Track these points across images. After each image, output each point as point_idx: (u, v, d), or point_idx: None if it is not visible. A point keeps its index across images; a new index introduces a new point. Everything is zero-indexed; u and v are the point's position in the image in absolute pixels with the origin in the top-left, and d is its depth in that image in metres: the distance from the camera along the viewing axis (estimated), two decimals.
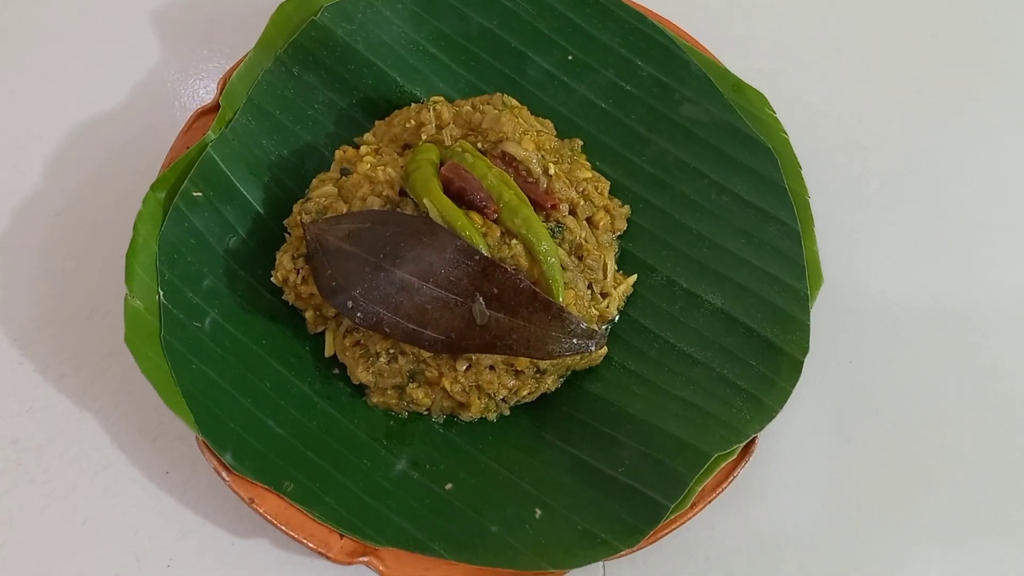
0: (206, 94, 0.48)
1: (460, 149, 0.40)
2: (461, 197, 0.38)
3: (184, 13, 0.50)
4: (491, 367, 0.38)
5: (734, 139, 0.44)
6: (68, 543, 0.39)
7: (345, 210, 0.39)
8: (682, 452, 0.36)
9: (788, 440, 0.41)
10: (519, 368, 0.38)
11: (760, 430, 0.37)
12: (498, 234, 0.38)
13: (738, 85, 0.45)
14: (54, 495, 0.39)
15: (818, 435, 0.42)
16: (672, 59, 0.45)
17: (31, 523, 0.39)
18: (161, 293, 0.39)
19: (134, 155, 0.45)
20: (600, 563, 0.39)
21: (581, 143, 0.45)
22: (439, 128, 0.42)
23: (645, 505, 0.36)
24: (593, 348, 0.37)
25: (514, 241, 0.38)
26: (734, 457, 0.37)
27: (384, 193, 0.39)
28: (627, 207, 0.44)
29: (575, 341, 0.36)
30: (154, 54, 0.49)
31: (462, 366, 0.38)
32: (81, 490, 0.40)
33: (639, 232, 0.43)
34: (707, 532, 0.40)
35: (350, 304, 0.37)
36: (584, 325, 0.36)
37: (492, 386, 0.38)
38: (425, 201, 0.37)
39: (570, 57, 0.46)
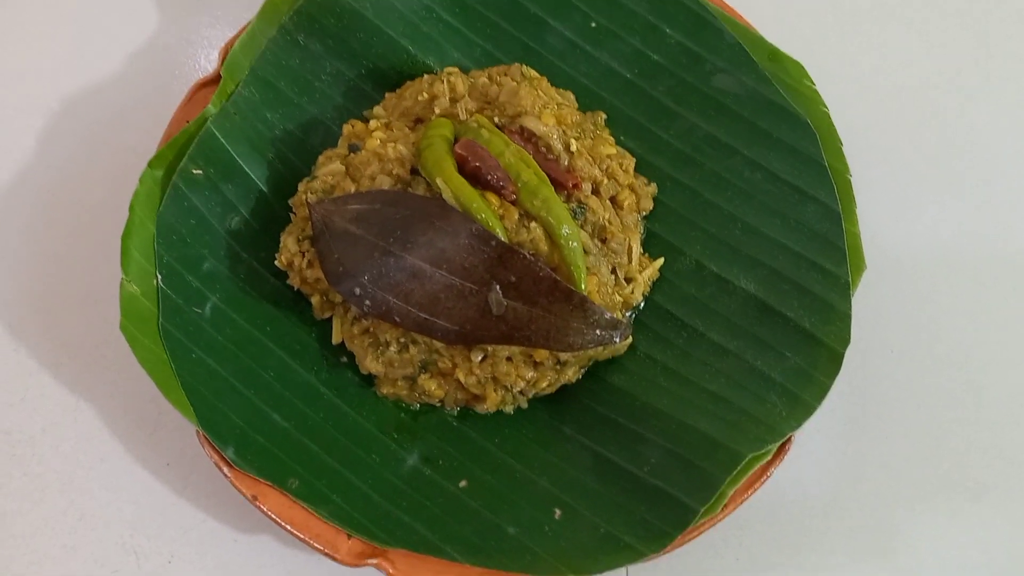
0: (207, 64, 0.45)
1: (476, 124, 0.37)
2: (477, 177, 0.35)
3: (178, 25, 0.47)
4: (508, 358, 0.36)
5: (769, 112, 0.41)
6: (64, 539, 0.37)
7: (353, 189, 0.37)
8: (713, 452, 0.34)
9: (824, 436, 0.39)
10: (538, 359, 0.36)
11: (797, 428, 0.35)
12: (516, 216, 0.35)
13: (774, 54, 0.42)
14: (48, 489, 0.38)
15: (855, 430, 0.39)
16: (703, 26, 0.42)
17: (25, 518, 0.37)
18: (159, 277, 0.37)
19: (130, 130, 0.43)
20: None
21: (605, 116, 0.42)
22: (453, 101, 0.39)
23: (672, 507, 0.34)
24: (618, 339, 0.34)
25: (533, 224, 0.35)
26: (768, 458, 0.34)
27: (394, 172, 0.37)
28: (653, 185, 0.41)
29: (598, 332, 0.34)
30: (152, 21, 0.46)
31: (477, 357, 0.36)
32: (77, 484, 0.38)
33: (666, 212, 0.41)
34: (736, 532, 0.38)
35: (358, 291, 0.34)
36: (608, 315, 0.34)
37: (509, 378, 0.36)
38: (438, 181, 0.35)
39: (593, 24, 0.43)
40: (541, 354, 0.35)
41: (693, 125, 0.42)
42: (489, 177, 0.35)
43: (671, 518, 0.34)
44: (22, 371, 0.39)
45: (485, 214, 0.34)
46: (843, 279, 0.37)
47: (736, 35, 0.42)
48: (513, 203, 0.35)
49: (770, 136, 0.40)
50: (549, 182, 0.36)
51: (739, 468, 0.33)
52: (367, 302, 0.34)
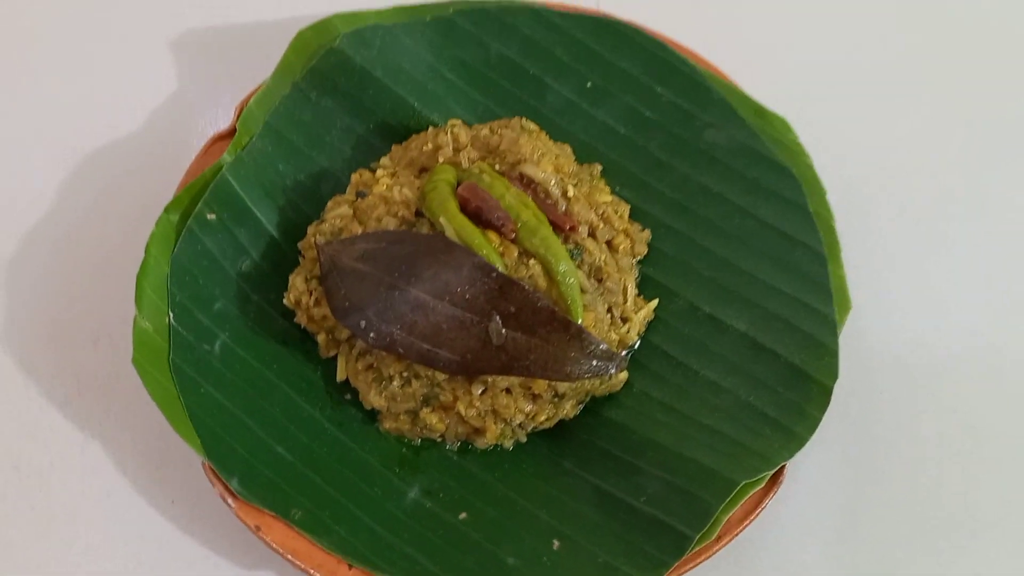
0: (223, 120, 0.47)
1: (478, 170, 0.39)
2: (478, 216, 0.37)
3: (202, 39, 0.50)
4: (507, 390, 0.37)
5: (757, 164, 0.43)
6: (70, 570, 0.37)
7: (360, 231, 0.39)
8: (708, 481, 0.35)
9: (820, 476, 0.40)
10: (536, 391, 0.37)
11: (789, 458, 0.36)
12: (516, 254, 0.37)
13: (760, 111, 0.44)
14: (55, 521, 0.38)
15: (845, 469, 0.40)
16: (693, 86, 0.45)
17: (30, 550, 0.38)
18: (171, 315, 0.38)
19: (148, 178, 0.45)
20: None
21: (600, 168, 0.44)
22: (456, 151, 0.41)
23: (669, 536, 0.34)
24: (613, 371, 0.35)
25: (532, 261, 0.37)
26: (761, 486, 0.35)
27: (400, 213, 0.39)
28: (647, 231, 0.43)
29: (595, 363, 0.35)
30: (171, 79, 0.48)
31: (477, 390, 0.37)
32: (83, 518, 0.38)
33: (660, 257, 0.42)
34: (735, 568, 0.38)
35: (363, 324, 0.36)
36: (604, 346, 0.35)
37: (508, 410, 0.37)
38: (441, 220, 0.37)
39: (589, 84, 0.46)
40: (539, 386, 0.36)
41: (685, 176, 0.44)
42: (490, 217, 0.37)
43: (667, 546, 0.34)
44: (33, 406, 0.40)
45: (486, 250, 0.36)
46: (830, 317, 0.39)
47: (724, 94, 0.44)
48: (513, 241, 0.37)
49: (758, 185, 0.43)
50: (548, 223, 0.38)
51: (733, 494, 0.34)
52: (372, 334, 0.36)
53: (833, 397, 0.37)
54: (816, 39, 0.52)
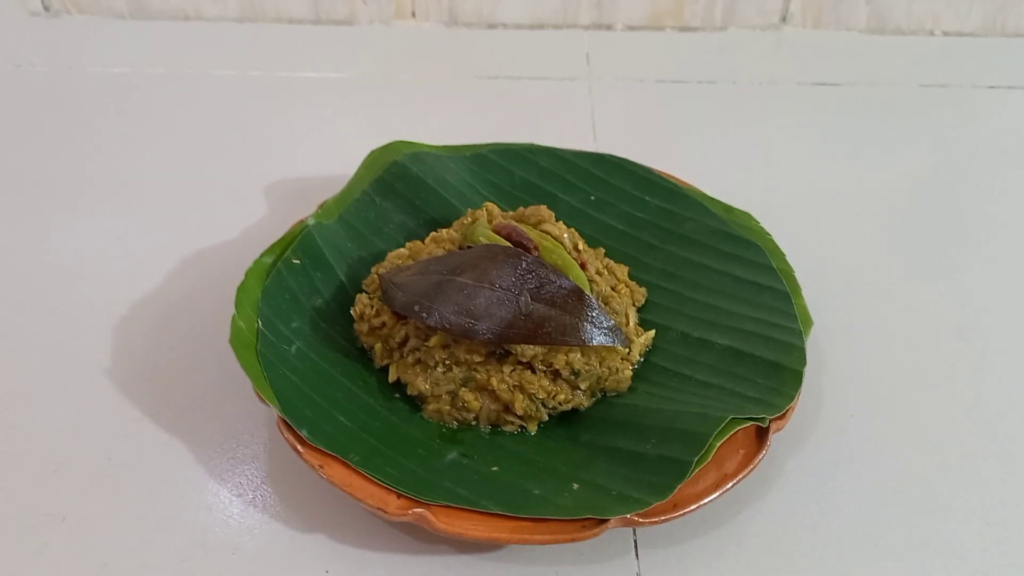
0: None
1: (508, 220, 0.50)
2: (510, 240, 0.47)
3: (293, 184, 0.64)
4: (532, 369, 0.44)
5: (729, 241, 0.54)
6: (146, 536, 0.42)
7: None
8: (703, 421, 0.41)
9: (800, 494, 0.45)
10: (557, 367, 0.44)
11: (774, 413, 0.42)
12: None
13: (728, 208, 0.56)
14: (138, 502, 0.44)
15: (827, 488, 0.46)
16: (674, 194, 0.57)
17: (96, 504, 0.43)
18: (259, 322, 0.47)
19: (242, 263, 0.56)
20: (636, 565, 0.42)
21: (604, 251, 0.55)
22: (490, 221, 0.52)
23: (671, 466, 0.40)
24: (618, 342, 0.44)
25: None
26: (746, 426, 0.42)
27: (447, 248, 0.49)
28: (644, 289, 0.52)
29: (604, 334, 0.43)
30: (261, 208, 0.62)
31: (507, 369, 0.44)
32: (160, 495, 0.44)
33: (655, 307, 0.52)
34: (735, 542, 0.43)
35: (417, 308, 0.44)
36: (612, 322, 0.44)
37: (533, 386, 0.44)
38: (481, 239, 0.47)
39: (592, 197, 0.58)
40: (559, 361, 0.44)
41: (672, 253, 0.54)
42: (520, 240, 0.47)
43: (671, 473, 0.40)
44: (128, 417, 0.48)
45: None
46: (797, 329, 0.47)
47: (698, 199, 0.57)
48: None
49: (731, 255, 0.53)
50: (564, 249, 0.48)
51: (723, 425, 0.41)
52: (424, 314, 0.44)
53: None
54: (767, 159, 0.66)
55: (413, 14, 0.85)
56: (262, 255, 0.51)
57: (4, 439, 0.47)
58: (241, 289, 0.48)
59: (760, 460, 0.42)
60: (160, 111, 0.73)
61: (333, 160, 0.66)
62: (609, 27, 0.85)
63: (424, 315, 0.44)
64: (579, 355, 0.45)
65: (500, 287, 0.44)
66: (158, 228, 0.60)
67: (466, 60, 0.80)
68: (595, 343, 0.43)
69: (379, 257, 0.54)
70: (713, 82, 0.78)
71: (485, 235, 0.47)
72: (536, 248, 0.47)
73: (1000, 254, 0.59)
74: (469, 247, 0.48)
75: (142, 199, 0.63)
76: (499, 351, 0.45)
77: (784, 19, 0.85)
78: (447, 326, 0.44)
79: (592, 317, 0.43)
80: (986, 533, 0.43)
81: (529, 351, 0.44)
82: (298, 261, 0.51)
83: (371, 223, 0.56)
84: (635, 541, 0.43)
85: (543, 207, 0.52)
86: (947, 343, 0.53)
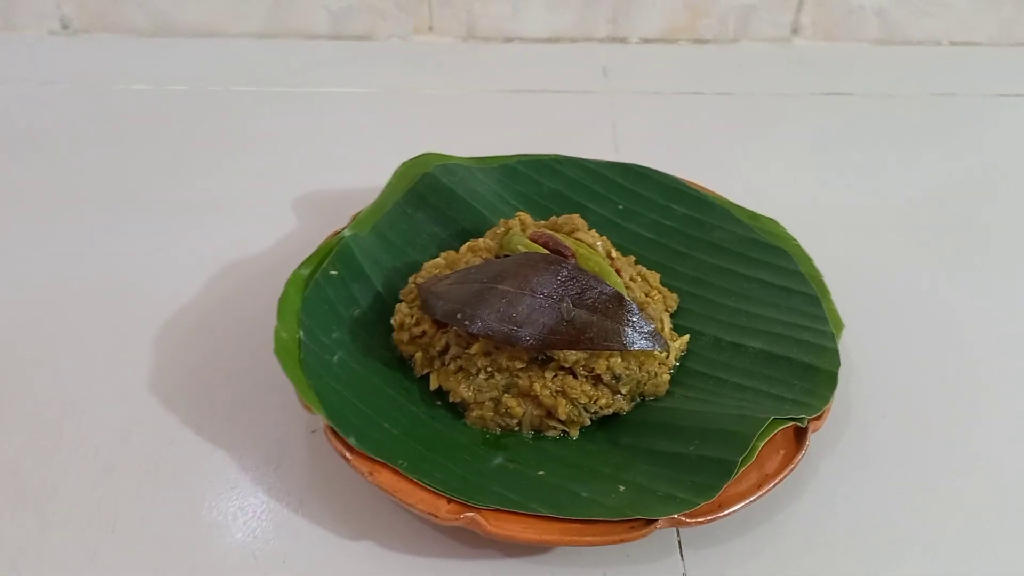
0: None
1: (542, 228, 0.51)
2: (547, 247, 0.48)
3: (321, 197, 0.65)
4: (573, 374, 0.45)
5: (756, 248, 0.55)
6: (197, 542, 0.43)
7: None
8: (743, 422, 0.42)
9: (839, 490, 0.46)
10: (598, 372, 0.45)
11: (812, 413, 0.43)
12: None
13: (754, 215, 0.57)
14: (185, 506, 0.45)
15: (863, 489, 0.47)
16: (700, 202, 0.58)
17: (142, 511, 0.44)
18: (301, 333, 0.48)
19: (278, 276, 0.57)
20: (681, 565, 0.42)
21: (634, 259, 0.56)
22: (524, 230, 0.53)
23: (715, 466, 0.41)
24: (659, 347, 0.44)
25: None
26: (788, 426, 0.42)
27: (484, 257, 0.50)
28: (676, 295, 0.53)
29: (645, 339, 0.44)
30: (292, 220, 0.63)
31: (549, 375, 0.45)
32: (208, 504, 0.45)
33: (687, 313, 0.53)
34: (772, 539, 0.43)
35: (459, 316, 0.45)
36: (652, 327, 0.45)
37: (575, 391, 0.45)
38: (519, 247, 0.48)
39: (620, 207, 0.59)
40: (600, 366, 0.45)
41: (701, 261, 0.55)
42: (557, 248, 0.48)
43: (716, 473, 0.41)
44: (173, 425, 0.48)
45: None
46: (828, 331, 0.48)
47: (725, 206, 0.58)
48: None
49: (759, 261, 0.54)
50: (600, 256, 0.49)
51: (765, 426, 0.42)
52: (466, 322, 0.45)
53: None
54: (785, 168, 0.67)
55: (431, 28, 0.87)
56: (300, 267, 0.52)
57: (55, 447, 0.47)
58: (282, 300, 0.49)
59: (800, 460, 0.43)
60: (184, 127, 0.74)
61: (358, 173, 0.67)
62: (624, 40, 0.87)
63: (467, 322, 0.45)
64: (620, 360, 0.45)
65: (542, 294, 0.45)
66: (194, 242, 0.61)
67: (486, 74, 0.81)
68: (636, 348, 0.44)
69: (414, 267, 0.55)
70: (730, 93, 0.79)
71: (523, 243, 0.48)
72: (573, 255, 0.48)
73: (1017, 258, 0.60)
74: (507, 256, 0.48)
75: (176, 214, 0.64)
76: (540, 357, 0.46)
77: (795, 31, 0.87)
78: (490, 333, 0.45)
79: (633, 322, 0.44)
80: (1021, 531, 0.44)
81: (571, 356, 0.45)
82: (336, 272, 0.52)
83: (405, 234, 0.57)
84: (679, 542, 0.43)
85: (576, 216, 0.53)
86: (971, 345, 0.54)
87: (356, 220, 0.56)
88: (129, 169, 0.69)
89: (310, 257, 0.52)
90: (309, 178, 0.67)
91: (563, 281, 0.45)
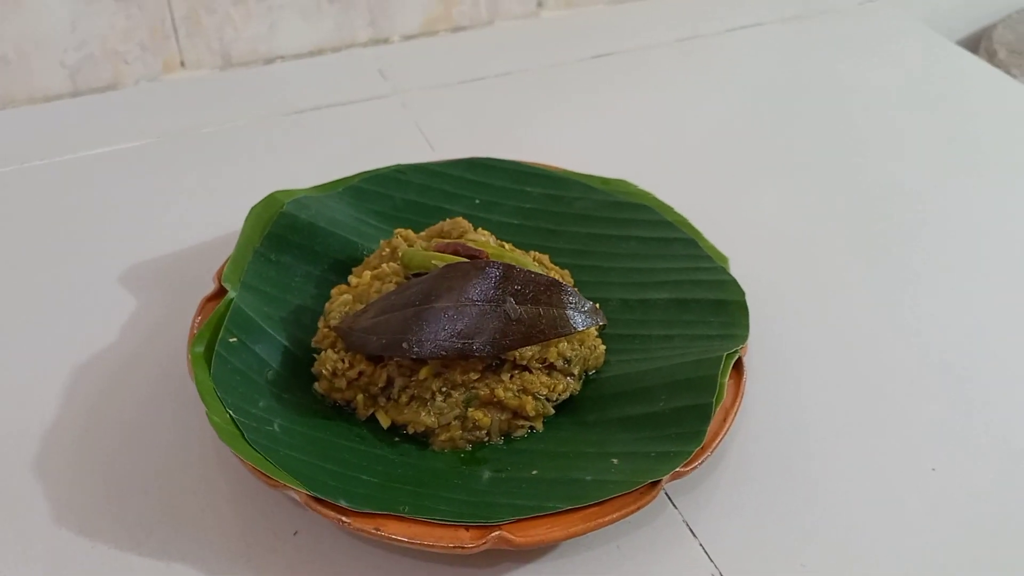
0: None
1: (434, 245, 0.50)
2: (458, 254, 0.48)
3: (167, 260, 0.60)
4: (528, 370, 0.46)
5: (620, 208, 0.58)
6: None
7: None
8: (700, 366, 0.45)
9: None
10: (551, 360, 0.46)
11: (742, 343, 0.47)
12: None
13: (605, 180, 0.60)
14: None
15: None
16: (553, 179, 0.60)
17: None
18: (230, 413, 0.44)
19: (162, 341, 0.51)
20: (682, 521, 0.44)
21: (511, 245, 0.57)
22: (410, 245, 0.52)
23: (694, 412, 0.44)
24: (601, 321, 0.46)
25: None
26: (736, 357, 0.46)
27: (394, 281, 0.48)
28: (567, 271, 0.55)
29: (588, 317, 0.46)
30: (131, 303, 0.57)
31: (507, 376, 0.45)
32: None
33: (583, 285, 0.54)
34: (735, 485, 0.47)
35: (404, 345, 0.44)
36: (590, 304, 0.46)
37: (535, 385, 0.45)
38: (433, 262, 0.47)
39: (477, 201, 0.60)
40: (552, 355, 0.46)
41: (574, 233, 0.58)
42: (467, 253, 0.48)
43: (696, 418, 0.43)
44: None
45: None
46: (719, 266, 0.53)
47: (578, 179, 0.60)
48: None
49: (628, 220, 0.57)
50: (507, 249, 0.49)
51: (723, 363, 0.45)
52: (416, 348, 0.44)
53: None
54: (597, 130, 0.71)
55: (183, 64, 0.80)
56: (193, 345, 0.47)
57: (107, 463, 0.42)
58: (198, 384, 0.44)
59: (745, 386, 0.47)
60: None
61: (181, 232, 0.61)
62: (387, 40, 0.86)
63: (416, 349, 0.44)
64: (566, 343, 0.46)
65: (482, 301, 0.44)
66: (37, 350, 0.53)
67: (261, 100, 0.77)
68: (583, 327, 0.45)
69: (302, 314, 0.52)
70: (508, 73, 0.81)
71: (435, 257, 0.47)
72: (486, 256, 0.48)
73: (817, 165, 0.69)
74: (421, 274, 0.47)
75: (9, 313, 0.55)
76: (494, 362, 0.45)
77: (540, 4, 0.91)
78: (444, 353, 0.44)
79: (573, 304, 0.45)
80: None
81: (527, 352, 0.45)
82: (235, 339, 0.48)
83: (276, 282, 0.53)
84: (666, 493, 0.46)
85: (460, 219, 0.53)
86: (819, 241, 0.61)
87: (222, 275, 0.51)
88: None
89: (200, 331, 0.47)
90: (132, 250, 0.60)
91: (498, 282, 0.45)
